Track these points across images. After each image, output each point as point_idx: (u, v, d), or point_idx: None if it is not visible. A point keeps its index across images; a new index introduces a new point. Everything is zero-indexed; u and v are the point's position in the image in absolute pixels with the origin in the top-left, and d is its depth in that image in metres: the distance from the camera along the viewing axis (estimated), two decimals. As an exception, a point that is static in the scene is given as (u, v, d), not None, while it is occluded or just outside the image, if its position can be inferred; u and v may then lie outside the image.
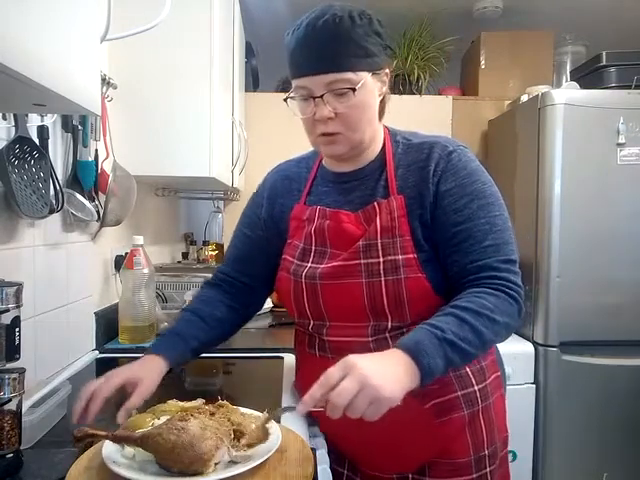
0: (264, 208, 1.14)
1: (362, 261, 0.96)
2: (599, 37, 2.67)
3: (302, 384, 1.09)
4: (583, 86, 2.25)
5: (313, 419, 1.08)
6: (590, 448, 2.05)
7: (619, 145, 2.01)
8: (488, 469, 1.03)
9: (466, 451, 1.01)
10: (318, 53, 0.92)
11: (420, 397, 0.95)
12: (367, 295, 0.95)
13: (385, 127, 1.07)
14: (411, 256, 0.94)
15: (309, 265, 1.02)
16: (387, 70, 0.99)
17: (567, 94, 2.03)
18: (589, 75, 2.36)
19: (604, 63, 2.26)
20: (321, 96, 0.93)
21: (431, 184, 0.96)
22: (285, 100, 0.98)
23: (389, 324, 0.97)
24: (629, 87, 2.11)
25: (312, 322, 1.04)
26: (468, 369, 1.02)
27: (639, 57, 2.21)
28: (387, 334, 0.97)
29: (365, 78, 0.93)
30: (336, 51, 0.91)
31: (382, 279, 0.94)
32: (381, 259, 0.95)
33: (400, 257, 0.94)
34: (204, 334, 1.08)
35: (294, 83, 0.96)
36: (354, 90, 0.92)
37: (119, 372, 0.93)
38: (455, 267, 0.94)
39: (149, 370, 0.96)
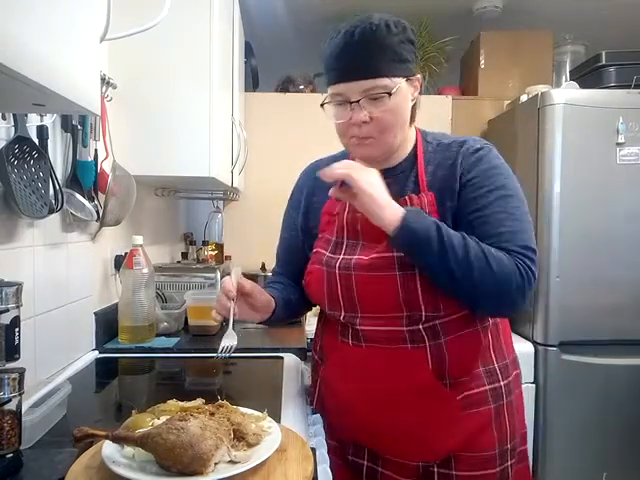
0: (300, 211, 1.18)
1: (395, 254, 0.97)
2: (599, 37, 2.67)
3: (332, 373, 1.11)
4: (582, 86, 2.25)
5: (344, 407, 1.08)
6: (590, 448, 2.05)
7: (618, 145, 2.01)
8: (509, 462, 1.06)
9: (492, 445, 1.04)
10: (355, 60, 0.95)
11: (453, 389, 1.01)
12: (401, 288, 0.97)
13: (417, 129, 1.10)
14: None
15: (341, 257, 1.04)
16: (418, 76, 1.03)
17: (566, 94, 2.03)
18: (588, 75, 2.36)
19: (603, 63, 2.26)
20: (357, 101, 0.96)
21: (457, 177, 1.00)
22: (322, 105, 1.02)
23: (423, 315, 0.99)
24: (628, 87, 2.12)
25: (344, 313, 1.04)
26: (495, 365, 1.06)
27: (639, 57, 2.22)
28: (421, 325, 1.00)
29: (400, 83, 0.97)
30: (373, 58, 0.95)
31: (417, 272, 0.96)
32: None
33: None
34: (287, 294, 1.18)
35: (330, 89, 1.00)
36: (390, 95, 0.96)
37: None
38: None
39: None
